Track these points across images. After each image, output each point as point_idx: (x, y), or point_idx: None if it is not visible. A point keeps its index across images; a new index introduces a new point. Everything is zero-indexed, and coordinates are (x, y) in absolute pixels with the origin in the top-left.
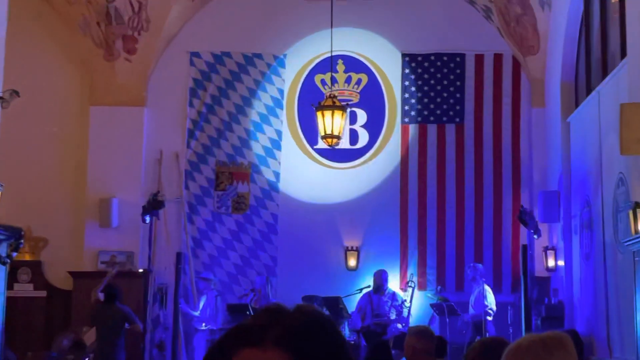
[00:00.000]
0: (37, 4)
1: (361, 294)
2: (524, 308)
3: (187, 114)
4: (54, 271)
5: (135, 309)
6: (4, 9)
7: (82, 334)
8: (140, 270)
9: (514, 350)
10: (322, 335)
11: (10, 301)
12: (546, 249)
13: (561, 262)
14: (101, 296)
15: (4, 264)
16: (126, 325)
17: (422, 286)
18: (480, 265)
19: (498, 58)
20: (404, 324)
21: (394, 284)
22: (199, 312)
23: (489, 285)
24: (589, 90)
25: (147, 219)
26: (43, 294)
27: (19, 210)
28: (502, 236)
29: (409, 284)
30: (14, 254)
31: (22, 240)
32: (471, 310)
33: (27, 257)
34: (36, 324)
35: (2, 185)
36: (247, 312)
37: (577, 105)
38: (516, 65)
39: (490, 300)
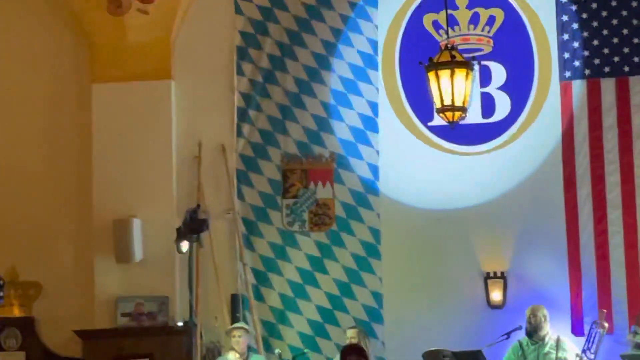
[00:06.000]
0: None
1: (510, 342)
2: None
3: (235, 86)
4: (53, 331)
5: None
6: None
7: None
8: (180, 324)
9: None
10: None
11: None
12: None
13: None
14: None
15: None
16: None
17: (604, 327)
18: None
19: None
20: None
21: (560, 326)
22: None
23: None
24: None
25: (185, 247)
26: None
27: None
28: None
29: (593, 326)
30: None
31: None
32: None
33: (16, 313)
34: None
35: None
36: None
37: None
38: None
39: None
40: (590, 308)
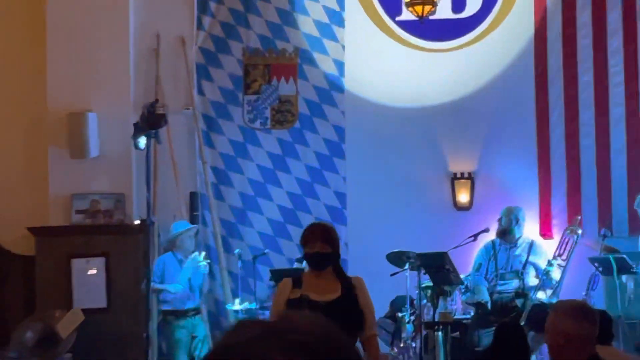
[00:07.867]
0: None
1: (476, 244)
2: None
3: None
4: (5, 227)
5: (133, 280)
6: None
7: (53, 320)
8: (137, 222)
9: None
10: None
11: None
12: None
13: None
14: None
15: None
16: None
17: (578, 233)
18: None
19: None
20: (550, 292)
21: (529, 228)
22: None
23: None
24: None
25: (142, 143)
26: None
27: None
28: None
29: (566, 232)
30: None
31: None
32: None
33: None
34: None
35: None
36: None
37: None
38: None
39: None
40: (559, 211)
